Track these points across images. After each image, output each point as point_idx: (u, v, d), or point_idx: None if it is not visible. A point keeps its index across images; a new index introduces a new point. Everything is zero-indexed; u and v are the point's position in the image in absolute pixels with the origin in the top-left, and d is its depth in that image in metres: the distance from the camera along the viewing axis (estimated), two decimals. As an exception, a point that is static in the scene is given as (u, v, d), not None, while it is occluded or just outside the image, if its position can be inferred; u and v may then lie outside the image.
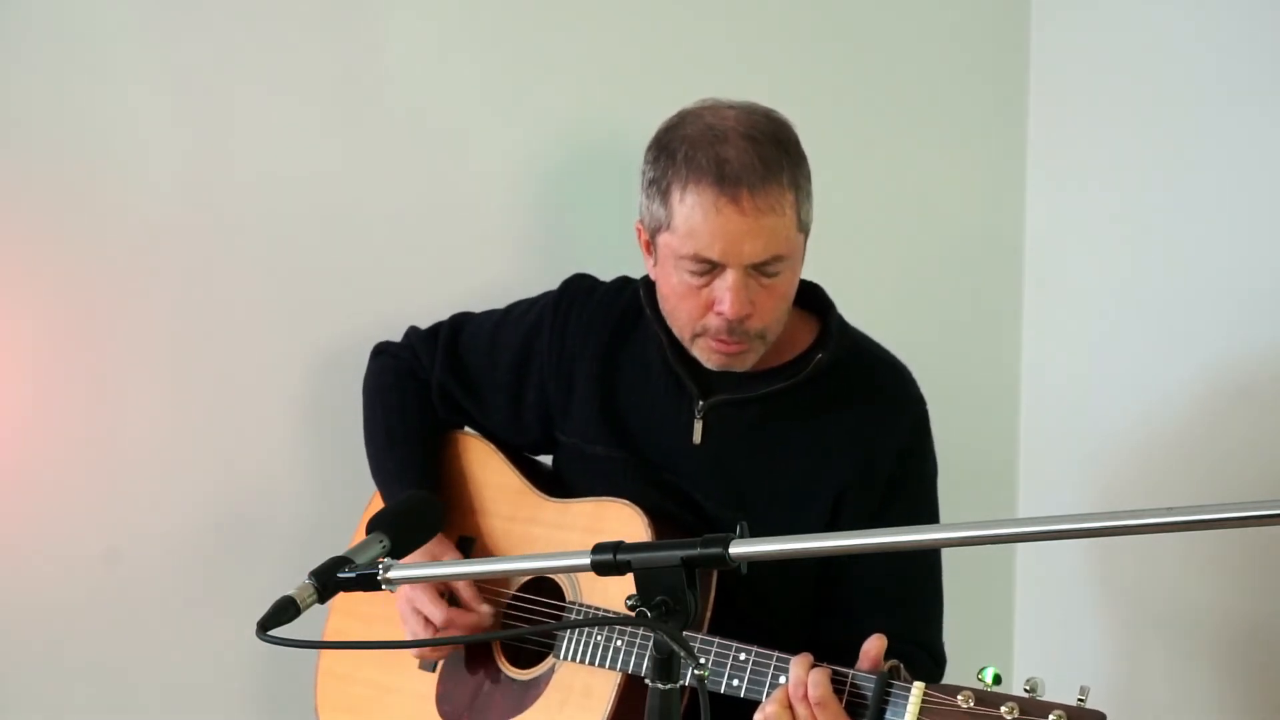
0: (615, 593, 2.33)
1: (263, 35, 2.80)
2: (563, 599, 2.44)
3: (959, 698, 1.96)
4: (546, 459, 2.66)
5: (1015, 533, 1.77)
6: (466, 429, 2.67)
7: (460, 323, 2.66)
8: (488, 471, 2.60)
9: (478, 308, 2.68)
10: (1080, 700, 1.87)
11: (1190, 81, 2.91)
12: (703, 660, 2.00)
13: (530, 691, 2.43)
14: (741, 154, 2.25)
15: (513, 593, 2.50)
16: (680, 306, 2.35)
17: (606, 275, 2.60)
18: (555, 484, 2.56)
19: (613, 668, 2.33)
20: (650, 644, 2.25)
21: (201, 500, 2.81)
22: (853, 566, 2.40)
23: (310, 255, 2.84)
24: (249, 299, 2.82)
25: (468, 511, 2.59)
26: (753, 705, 2.18)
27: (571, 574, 2.42)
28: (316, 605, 1.88)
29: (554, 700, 2.39)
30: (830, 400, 2.42)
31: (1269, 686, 2.80)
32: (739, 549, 1.73)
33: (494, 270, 2.89)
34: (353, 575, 1.89)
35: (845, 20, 3.13)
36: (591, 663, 2.35)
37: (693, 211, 2.27)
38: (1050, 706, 1.89)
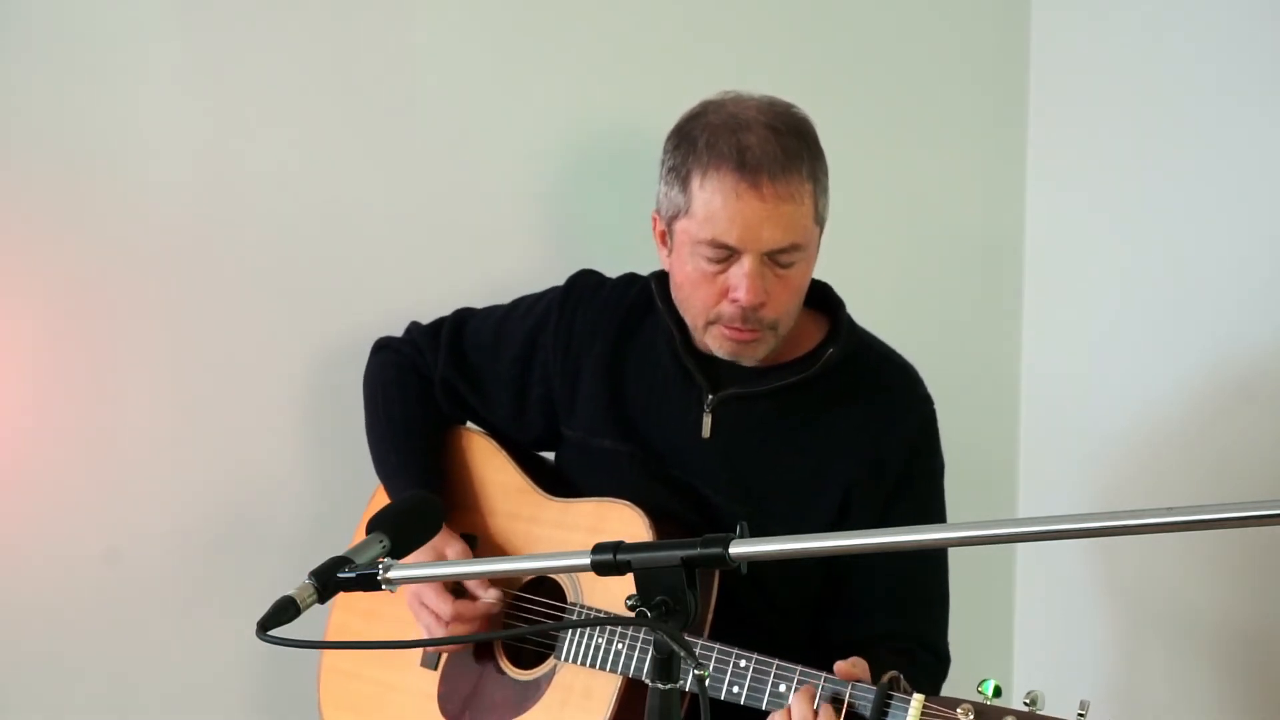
0: (616, 594, 2.33)
1: (265, 32, 2.79)
2: (564, 599, 2.44)
3: (958, 711, 1.96)
4: (549, 455, 2.66)
5: (1015, 533, 1.77)
6: (470, 425, 2.67)
7: (463, 318, 2.66)
8: (490, 469, 2.60)
9: (481, 304, 2.69)
10: (1080, 715, 1.86)
11: (1190, 82, 2.91)
12: (703, 664, 2.00)
13: (531, 692, 2.43)
14: (763, 142, 2.27)
15: (515, 592, 2.50)
16: (695, 294, 2.35)
17: (612, 271, 2.60)
18: (558, 482, 2.56)
19: (613, 670, 2.33)
20: (651, 646, 2.27)
21: (202, 500, 2.81)
22: (857, 565, 2.40)
23: (312, 253, 2.84)
24: (249, 297, 2.82)
25: (470, 509, 2.59)
26: (753, 709, 2.18)
27: (573, 574, 2.42)
28: (316, 605, 1.88)
29: (554, 701, 2.39)
30: (839, 397, 2.42)
31: (1269, 686, 2.80)
32: (739, 549, 1.73)
33: (498, 266, 2.89)
34: (352, 575, 1.89)
35: (845, 20, 3.14)
36: (592, 665, 2.35)
37: (712, 197, 2.28)
38: None
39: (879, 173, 3.13)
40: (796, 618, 2.43)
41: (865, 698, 2.07)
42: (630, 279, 2.57)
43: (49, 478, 2.74)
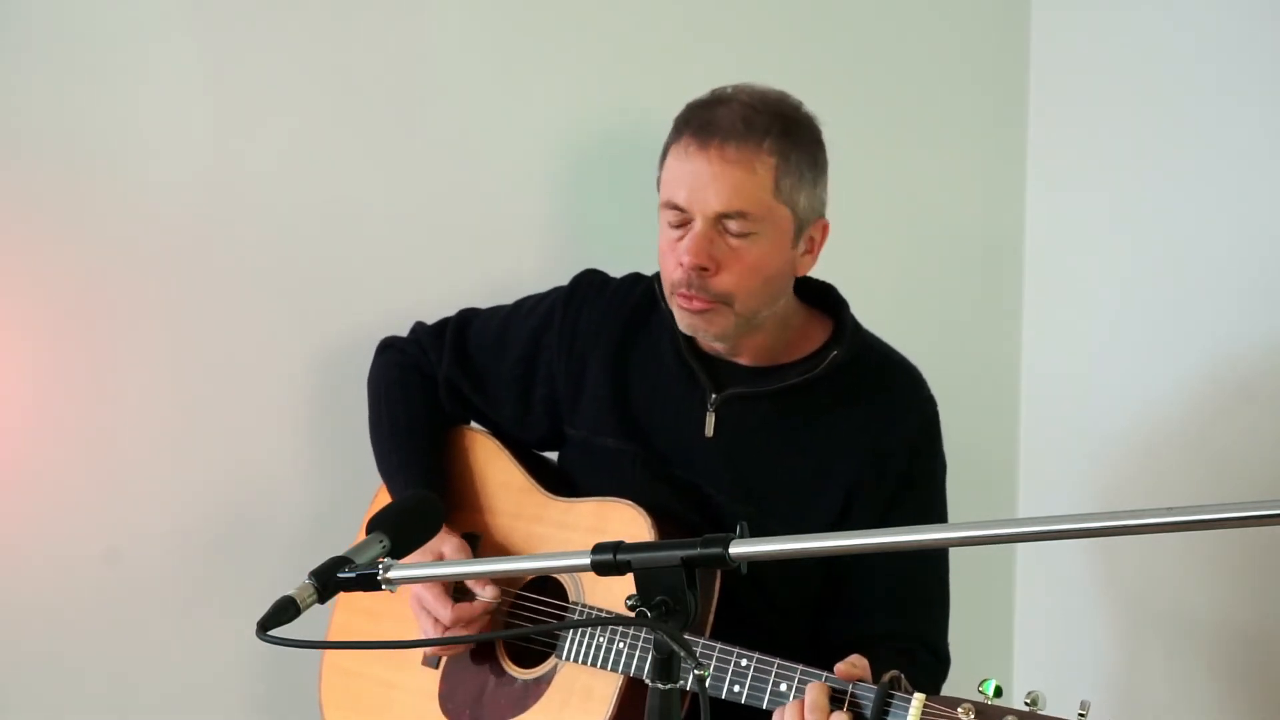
0: (618, 594, 2.33)
1: (266, 32, 2.79)
2: (566, 599, 2.44)
3: (959, 710, 1.96)
4: (552, 456, 2.66)
5: (1015, 533, 1.77)
6: (473, 425, 2.67)
7: (468, 318, 2.66)
8: (493, 469, 2.60)
9: (485, 304, 2.69)
10: (1081, 715, 1.86)
11: (1190, 82, 2.91)
12: (703, 663, 2.00)
13: (532, 691, 2.43)
14: (729, 114, 2.33)
15: (517, 591, 2.50)
16: (661, 265, 2.39)
17: (616, 271, 2.60)
18: (561, 482, 2.56)
19: (614, 670, 2.33)
20: (651, 646, 2.27)
21: (202, 500, 2.81)
22: (857, 565, 2.40)
23: (313, 253, 2.84)
24: (250, 297, 2.82)
25: (472, 509, 2.59)
26: (753, 709, 2.18)
27: (575, 574, 2.42)
28: (316, 605, 1.88)
29: (555, 700, 2.39)
30: (842, 398, 2.43)
31: (1269, 686, 2.80)
32: (739, 549, 1.73)
33: (501, 266, 2.89)
34: (352, 575, 1.89)
35: (845, 20, 3.14)
36: (593, 664, 2.35)
37: (672, 162, 2.35)
38: None
39: (879, 173, 3.13)
40: (797, 618, 2.43)
41: (866, 697, 2.07)
42: (634, 278, 2.58)
43: (49, 478, 2.74)
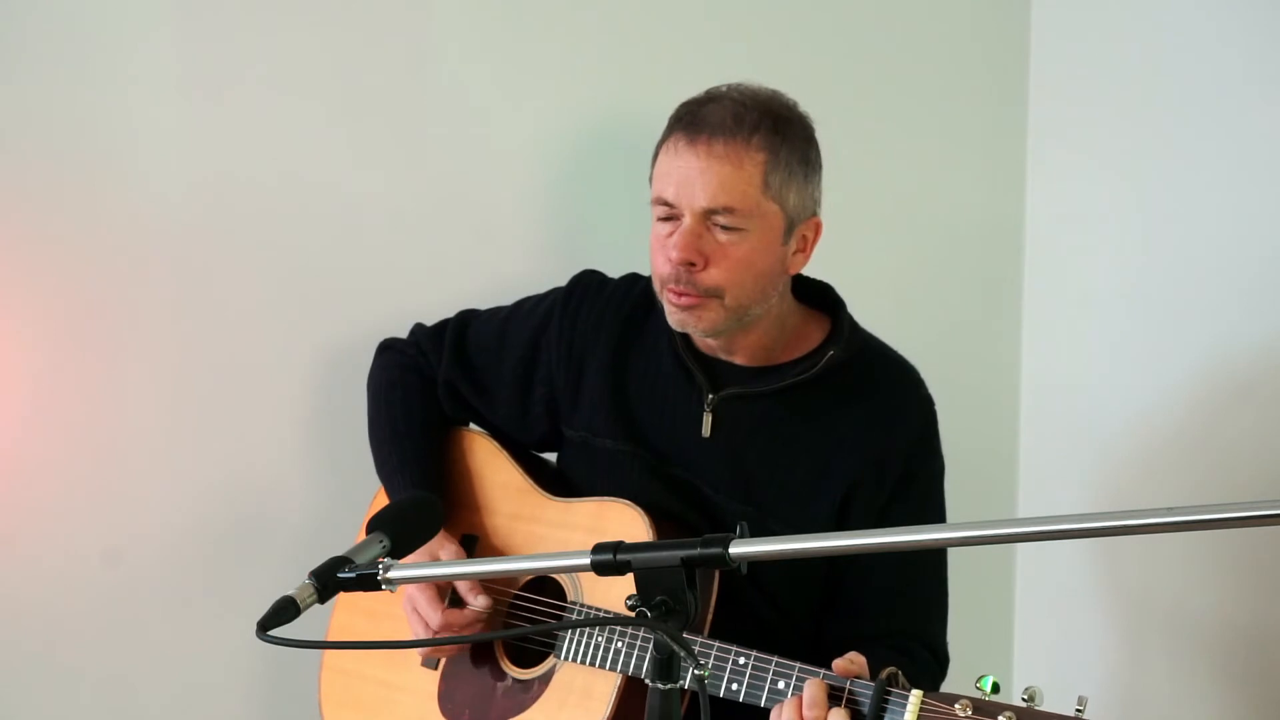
0: (617, 593, 2.33)
1: (266, 33, 2.79)
2: (564, 599, 2.44)
3: (956, 706, 1.96)
4: (551, 456, 2.66)
5: (1015, 533, 1.77)
6: (472, 426, 2.67)
7: (467, 319, 2.66)
8: (492, 469, 2.60)
9: (484, 305, 2.69)
10: (1079, 710, 1.87)
11: (1191, 78, 2.91)
12: (702, 662, 2.00)
13: (531, 691, 2.43)
14: (719, 111, 2.34)
15: (515, 591, 2.50)
16: (652, 261, 2.39)
17: (615, 271, 2.61)
18: (559, 483, 2.57)
19: (613, 669, 2.33)
20: (651, 645, 2.27)
21: (202, 500, 2.81)
22: (857, 564, 2.40)
23: (314, 253, 2.84)
24: (250, 297, 2.82)
25: (471, 509, 2.59)
26: (753, 708, 2.18)
27: (573, 574, 2.42)
28: (316, 605, 1.88)
29: (554, 700, 2.39)
30: (840, 397, 2.43)
31: (1270, 686, 2.80)
32: (739, 549, 1.73)
33: (500, 268, 2.89)
34: (352, 575, 1.89)
35: (845, 15, 3.13)
36: (592, 663, 2.35)
37: (662, 158, 2.37)
38: (1048, 717, 1.89)
39: (879, 172, 3.13)
40: (796, 617, 2.44)
41: (864, 694, 2.07)
42: (633, 279, 2.58)
43: (49, 478, 2.74)
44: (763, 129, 2.32)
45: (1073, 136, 3.15)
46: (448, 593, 2.50)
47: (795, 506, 2.40)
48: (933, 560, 2.46)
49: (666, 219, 2.35)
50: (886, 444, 2.42)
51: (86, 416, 2.75)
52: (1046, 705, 1.91)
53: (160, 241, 2.77)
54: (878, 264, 3.15)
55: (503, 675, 2.48)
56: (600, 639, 2.34)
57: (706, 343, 2.45)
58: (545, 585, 2.49)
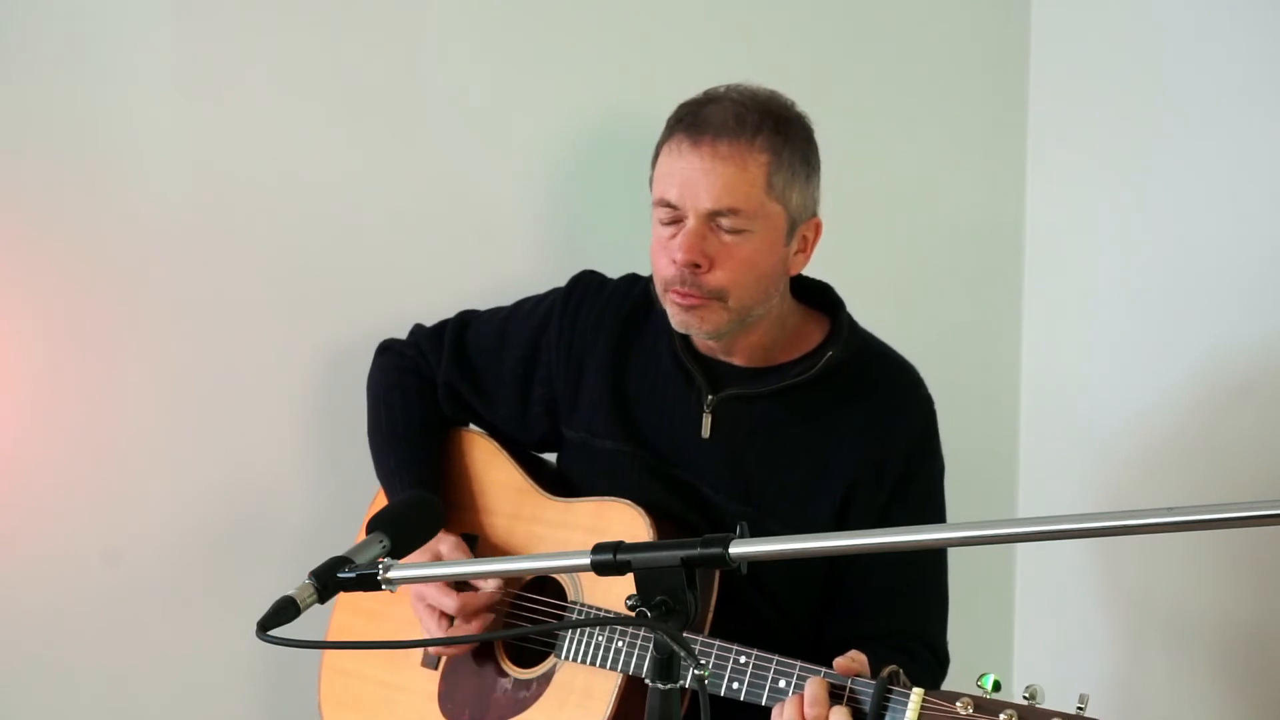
0: (617, 593, 2.33)
1: (266, 34, 2.79)
2: (565, 599, 2.44)
3: (958, 704, 1.96)
4: (551, 457, 2.66)
5: (1015, 533, 1.77)
6: (471, 426, 2.67)
7: (466, 320, 2.66)
8: (491, 469, 2.60)
9: (483, 305, 2.69)
10: (1080, 708, 1.86)
11: (1191, 78, 2.91)
12: (703, 662, 2.00)
13: (531, 691, 2.43)
14: (720, 111, 2.34)
15: (516, 592, 2.50)
16: (654, 263, 2.39)
17: (615, 272, 2.60)
18: (559, 482, 2.57)
19: (614, 668, 2.33)
20: (651, 645, 2.27)
21: (202, 500, 2.81)
22: (856, 564, 2.40)
23: (314, 254, 2.84)
24: (250, 298, 2.82)
25: (470, 509, 2.59)
26: (752, 707, 2.18)
27: (574, 574, 2.42)
28: (317, 605, 1.88)
29: (554, 700, 2.39)
30: (839, 398, 2.43)
31: (1270, 686, 2.80)
32: (739, 549, 1.73)
33: (500, 268, 2.89)
34: (352, 575, 1.89)
35: (845, 16, 3.13)
36: (593, 663, 2.35)
37: (664, 159, 2.36)
38: (1049, 715, 1.89)
39: (880, 172, 3.13)
40: (797, 617, 2.44)
41: (865, 692, 2.07)
42: (632, 279, 2.58)
43: (49, 478, 2.74)
44: (765, 130, 2.32)
45: (1073, 136, 3.15)
46: (454, 582, 2.49)
47: (795, 507, 2.40)
48: (932, 560, 2.46)
49: (669, 221, 2.34)
50: (886, 444, 2.42)
51: (86, 416, 2.75)
52: (1047, 704, 1.91)
53: (160, 241, 2.77)
54: (878, 264, 3.15)
55: (503, 675, 2.48)
56: (601, 639, 2.34)
57: (706, 343, 2.45)
58: (546, 585, 2.49)
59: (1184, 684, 2.94)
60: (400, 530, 2.03)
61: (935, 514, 2.47)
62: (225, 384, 2.81)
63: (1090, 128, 3.10)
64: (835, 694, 2.08)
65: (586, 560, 1.79)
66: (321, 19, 2.82)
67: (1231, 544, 2.81)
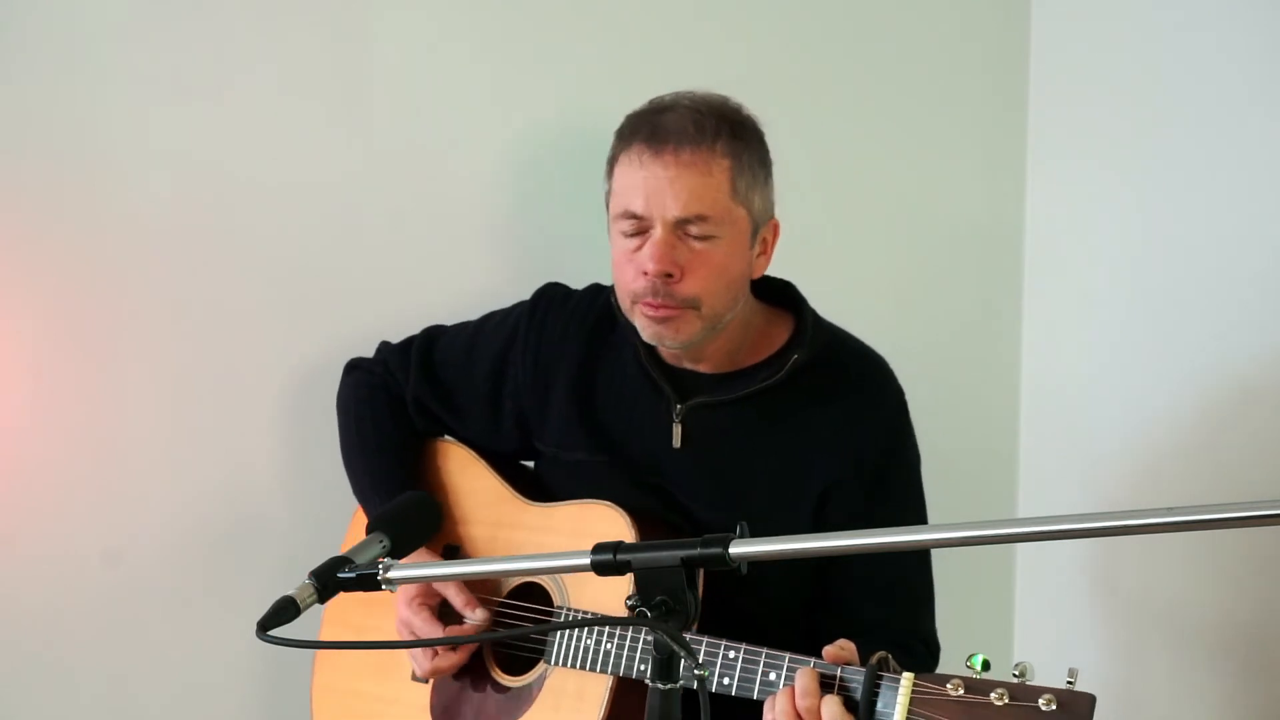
0: (605, 596, 2.33)
1: (266, 34, 2.79)
2: (551, 604, 2.44)
3: (948, 686, 1.96)
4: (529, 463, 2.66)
5: (1015, 533, 1.77)
6: (446, 436, 2.66)
7: (433, 335, 2.66)
8: (468, 478, 2.59)
9: (454, 319, 2.68)
10: (1069, 683, 1.87)
11: (1191, 79, 2.91)
12: (703, 663, 2.00)
13: (523, 698, 2.43)
14: (678, 119, 2.33)
15: (501, 599, 2.50)
16: (619, 277, 2.37)
17: (580, 283, 2.60)
18: (538, 488, 2.56)
19: (603, 670, 2.33)
20: (639, 646, 2.27)
21: (201, 501, 2.81)
22: (844, 560, 2.39)
23: (315, 254, 2.84)
24: (251, 298, 2.82)
25: (451, 520, 2.58)
26: (742, 701, 2.18)
27: (559, 578, 2.42)
28: (316, 606, 1.88)
29: (548, 705, 2.39)
30: (809, 397, 2.42)
31: (1270, 687, 2.80)
32: (739, 549, 1.74)
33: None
34: (353, 575, 1.89)
35: (845, 16, 3.13)
36: (582, 666, 2.35)
37: (624, 171, 2.35)
38: (1040, 691, 1.89)
39: (880, 173, 3.13)
40: (786, 612, 2.43)
41: (855, 679, 2.07)
42: (596, 290, 2.57)
43: (49, 478, 2.74)
44: (724, 134, 2.32)
45: (1073, 137, 3.14)
46: (438, 607, 2.49)
47: (773, 509, 2.39)
48: (918, 553, 2.45)
49: (634, 233, 2.33)
50: (861, 440, 2.41)
51: (86, 416, 2.75)
52: (1038, 683, 1.90)
53: (160, 241, 2.77)
54: (878, 264, 3.14)
55: (494, 684, 2.47)
56: (589, 641, 2.34)
57: (672, 352, 2.44)
58: (531, 592, 2.49)
59: (1184, 684, 2.94)
60: (400, 530, 2.03)
61: (915, 505, 2.47)
62: (225, 384, 2.81)
63: (1090, 128, 3.10)
64: (826, 683, 2.08)
65: (586, 560, 1.79)
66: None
67: (1231, 544, 2.81)
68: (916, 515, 2.48)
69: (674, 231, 2.31)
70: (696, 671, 1.69)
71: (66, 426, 2.74)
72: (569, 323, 2.53)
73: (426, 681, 2.53)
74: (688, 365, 2.44)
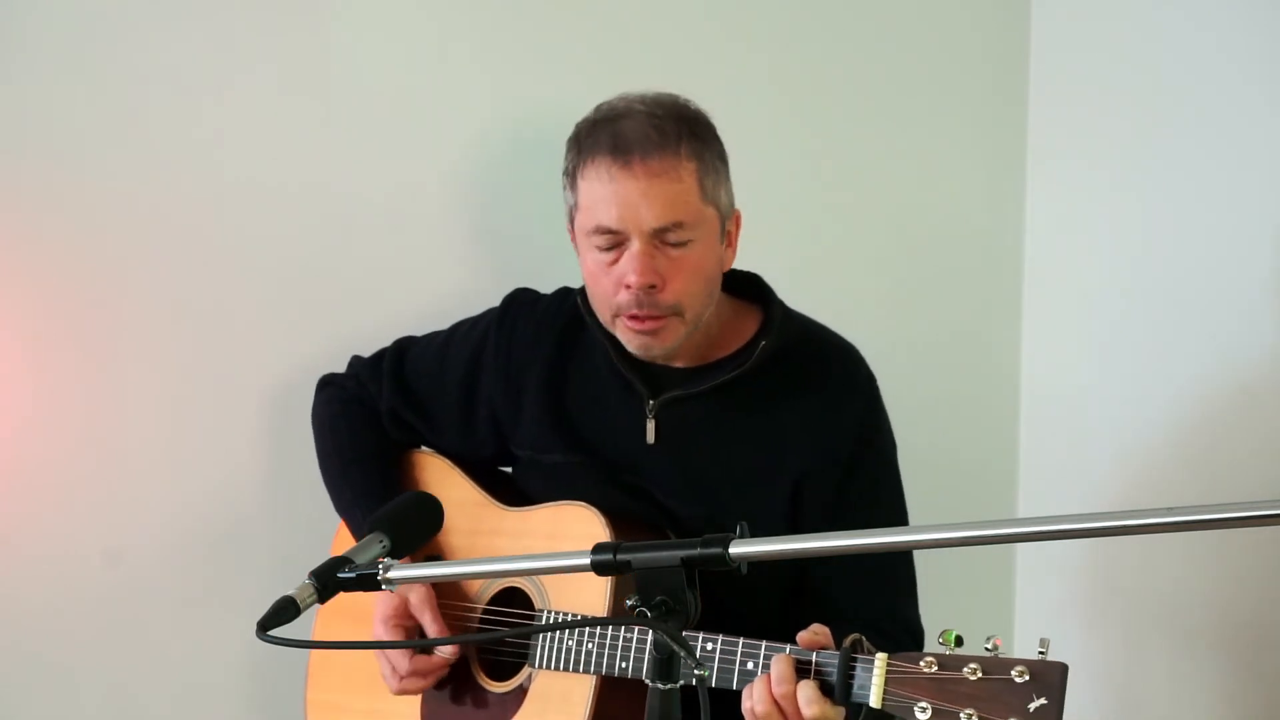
0: (586, 597, 2.34)
1: (267, 34, 2.79)
2: (532, 608, 2.44)
3: (922, 663, 1.96)
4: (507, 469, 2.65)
5: (1015, 533, 1.77)
6: (422, 447, 2.66)
7: (404, 346, 2.66)
8: (446, 487, 2.58)
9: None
10: (1041, 653, 1.87)
11: (1191, 79, 2.91)
12: (704, 664, 2.00)
13: (511, 703, 2.43)
14: (638, 126, 2.31)
15: (483, 606, 2.50)
16: (597, 290, 2.37)
17: (549, 288, 2.60)
18: (516, 493, 2.56)
19: (586, 671, 2.33)
20: (619, 644, 2.27)
21: (201, 501, 2.81)
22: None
23: (316, 253, 2.84)
24: (251, 297, 2.82)
25: None
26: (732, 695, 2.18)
27: (538, 581, 2.43)
28: (316, 605, 1.88)
29: (535, 708, 2.39)
30: (781, 387, 2.42)
31: (1270, 687, 2.80)
32: (739, 549, 1.73)
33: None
34: (352, 575, 1.89)
35: (845, 17, 3.13)
36: (566, 668, 2.35)
37: (592, 185, 2.32)
38: (1012, 663, 1.89)
39: (879, 174, 3.13)
40: (765, 604, 2.41)
41: (830, 663, 2.06)
42: (564, 293, 2.58)
43: (49, 478, 2.73)
44: (685, 136, 2.32)
45: (1073, 138, 3.14)
46: (416, 632, 2.49)
47: (748, 502, 2.39)
48: None
49: (609, 247, 2.33)
50: (833, 429, 2.41)
51: (86, 416, 2.75)
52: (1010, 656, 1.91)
53: (160, 241, 2.76)
54: (878, 265, 3.14)
55: (481, 691, 2.48)
56: (571, 642, 2.34)
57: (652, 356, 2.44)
58: (513, 598, 2.49)
59: (1184, 684, 2.94)
60: (400, 530, 2.02)
61: (890, 492, 2.47)
62: (226, 383, 2.81)
63: (1090, 129, 3.10)
64: (802, 669, 2.08)
65: (586, 560, 1.79)
66: (321, 19, 2.81)
67: (1231, 544, 2.81)
68: (892, 501, 2.48)
69: (651, 241, 2.31)
70: (697, 671, 1.69)
71: (66, 426, 2.74)
72: (539, 326, 2.54)
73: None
74: (659, 361, 2.44)
